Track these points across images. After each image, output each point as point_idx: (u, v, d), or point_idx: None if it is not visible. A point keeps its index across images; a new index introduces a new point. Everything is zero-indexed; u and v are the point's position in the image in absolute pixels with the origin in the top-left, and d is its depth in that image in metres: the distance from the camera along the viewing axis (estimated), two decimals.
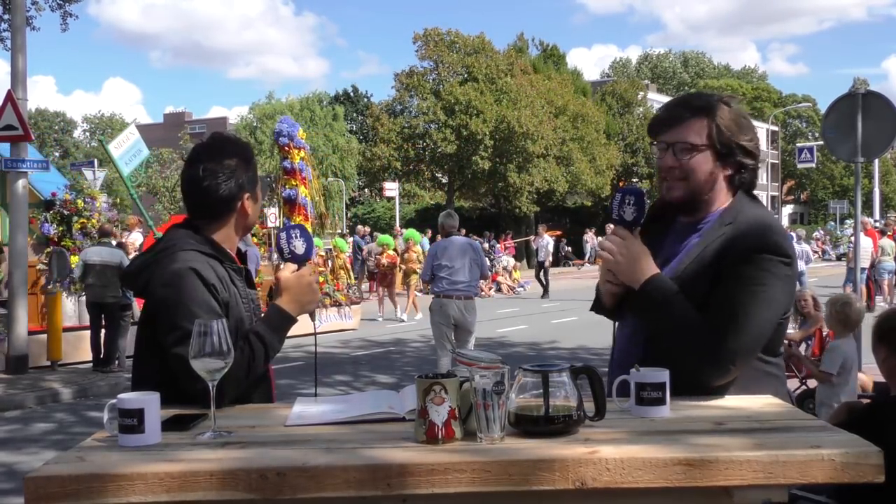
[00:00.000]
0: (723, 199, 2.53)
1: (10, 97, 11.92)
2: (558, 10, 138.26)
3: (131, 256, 14.46)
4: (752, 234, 2.39)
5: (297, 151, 16.55)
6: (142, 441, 1.98)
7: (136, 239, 17.74)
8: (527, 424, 1.98)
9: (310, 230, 14.31)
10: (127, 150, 15.12)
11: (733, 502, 1.88)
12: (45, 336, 12.42)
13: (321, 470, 1.81)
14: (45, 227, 13.62)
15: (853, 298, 6.60)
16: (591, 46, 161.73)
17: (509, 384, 1.98)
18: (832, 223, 50.44)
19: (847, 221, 42.12)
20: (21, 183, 12.17)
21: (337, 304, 17.18)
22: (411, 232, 22.38)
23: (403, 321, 18.85)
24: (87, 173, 27.17)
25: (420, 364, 11.67)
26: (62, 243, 13.45)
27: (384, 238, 22.25)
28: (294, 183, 16.36)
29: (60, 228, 13.64)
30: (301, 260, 2.64)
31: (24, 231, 12.35)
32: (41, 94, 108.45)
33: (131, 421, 1.98)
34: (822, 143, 15.34)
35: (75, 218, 13.74)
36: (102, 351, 12.07)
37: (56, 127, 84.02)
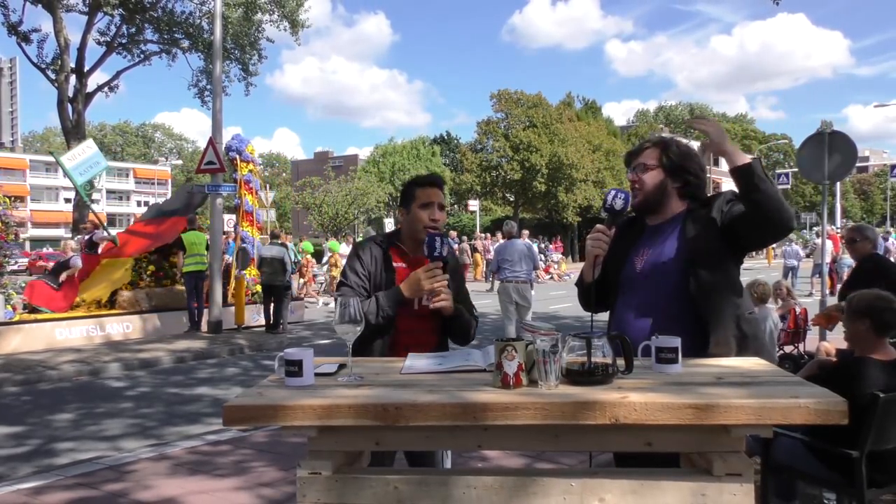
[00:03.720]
0: (676, 204, 2.57)
1: (211, 142, 12.33)
2: (597, 74, 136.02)
3: (72, 254, 13.03)
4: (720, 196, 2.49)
5: (244, 165, 13.68)
6: (301, 382, 2.01)
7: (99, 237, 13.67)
8: (574, 375, 1.95)
9: (255, 235, 13.27)
10: (82, 161, 12.44)
11: (731, 437, 1.83)
12: (232, 308, 12.80)
13: (426, 405, 1.82)
14: None
15: (762, 280, 6.33)
16: (620, 101, 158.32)
17: (561, 346, 1.96)
18: (804, 230, 48.45)
19: (815, 228, 40.26)
20: (218, 201, 12.56)
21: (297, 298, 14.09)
22: (333, 243, 19.97)
23: None
24: (262, 194, 27.99)
25: (495, 331, 11.62)
26: None
27: (333, 244, 20.15)
28: (242, 193, 13.61)
29: None
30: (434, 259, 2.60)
31: (220, 233, 12.60)
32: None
33: (293, 368, 2.02)
34: (796, 169, 14.76)
35: None
36: (272, 318, 12.39)
37: None
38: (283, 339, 11.49)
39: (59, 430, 6.17)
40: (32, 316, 11.20)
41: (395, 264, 2.74)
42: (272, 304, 12.30)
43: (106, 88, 21.41)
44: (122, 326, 11.67)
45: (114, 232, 13.25)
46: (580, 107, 50.26)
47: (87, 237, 14.04)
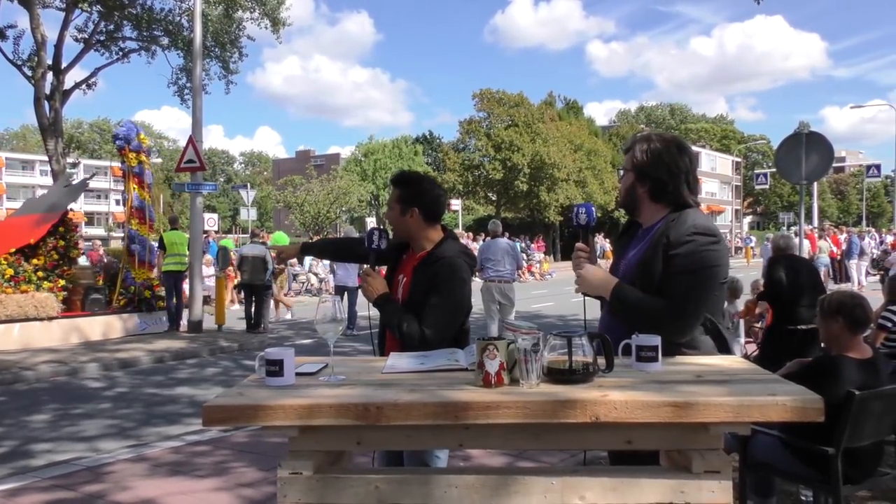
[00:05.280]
0: (652, 208, 2.44)
1: (191, 140, 12.21)
2: (579, 74, 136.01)
3: None
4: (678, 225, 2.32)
5: (134, 155, 12.07)
6: (281, 382, 2.01)
7: None
8: (556, 374, 1.96)
9: (147, 234, 11.95)
10: None
11: (709, 434, 1.84)
12: (212, 308, 12.68)
13: (407, 405, 1.82)
14: None
15: (734, 277, 6.64)
16: (602, 101, 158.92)
17: (543, 345, 1.97)
18: (782, 229, 49.09)
19: (793, 228, 40.77)
20: (199, 200, 12.44)
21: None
22: (279, 235, 17.15)
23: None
24: (243, 193, 27.85)
25: (476, 330, 11.59)
26: None
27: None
28: (130, 187, 12.11)
29: None
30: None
31: (201, 232, 12.47)
32: (212, 138, 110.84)
33: (274, 368, 2.01)
34: (774, 170, 14.92)
35: None
36: (253, 318, 12.30)
37: (222, 161, 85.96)
38: (264, 339, 11.42)
39: (36, 432, 6.08)
40: None
41: (403, 255, 2.90)
42: (253, 304, 12.23)
43: (84, 86, 21.06)
44: None
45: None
46: (562, 106, 50.42)
47: None
